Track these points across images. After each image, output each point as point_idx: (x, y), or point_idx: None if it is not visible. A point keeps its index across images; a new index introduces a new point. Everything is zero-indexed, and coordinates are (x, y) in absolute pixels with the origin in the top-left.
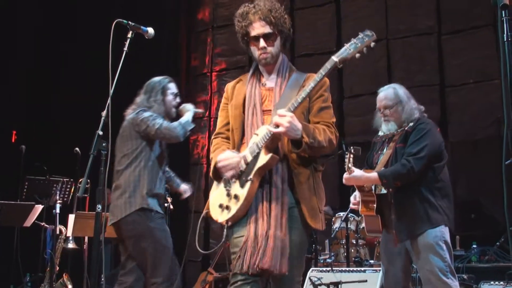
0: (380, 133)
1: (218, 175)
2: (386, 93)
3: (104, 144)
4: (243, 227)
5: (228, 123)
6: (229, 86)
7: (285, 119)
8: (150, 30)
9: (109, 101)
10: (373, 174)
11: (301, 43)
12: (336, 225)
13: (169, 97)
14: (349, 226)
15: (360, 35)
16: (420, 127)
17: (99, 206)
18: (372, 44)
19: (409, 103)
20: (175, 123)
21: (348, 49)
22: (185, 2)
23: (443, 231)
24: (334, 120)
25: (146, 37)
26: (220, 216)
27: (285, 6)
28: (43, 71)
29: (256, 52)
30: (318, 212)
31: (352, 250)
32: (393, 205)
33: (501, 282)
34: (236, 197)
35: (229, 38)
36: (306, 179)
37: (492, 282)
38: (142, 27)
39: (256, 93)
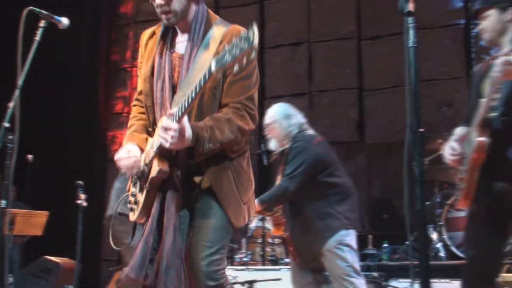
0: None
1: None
2: (268, 111)
3: (10, 137)
4: (146, 229)
5: (141, 92)
6: (144, 36)
7: (169, 134)
8: (64, 20)
9: (17, 92)
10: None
11: None
12: (253, 224)
13: None
14: (265, 225)
15: (243, 36)
16: (294, 146)
17: (3, 202)
18: (253, 54)
19: (286, 121)
20: None
21: (228, 57)
22: None
23: (342, 235)
24: (251, 93)
25: (60, 27)
26: (130, 215)
27: (209, 4)
28: None
29: (158, 14)
30: (241, 207)
31: (269, 249)
32: (290, 227)
33: (410, 280)
34: (136, 202)
35: None
36: (223, 176)
37: (400, 280)
38: (55, 16)
39: (166, 62)
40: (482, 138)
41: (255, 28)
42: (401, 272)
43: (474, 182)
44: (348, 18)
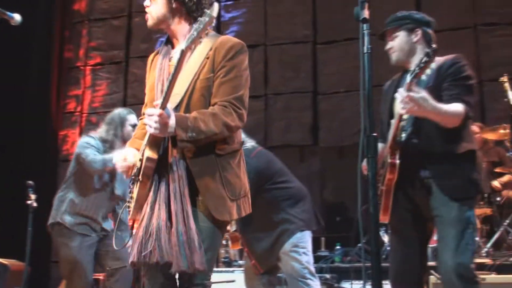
0: None
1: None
2: None
3: None
4: (144, 221)
5: (146, 105)
6: (150, 58)
7: (152, 119)
8: (17, 17)
9: None
10: None
11: None
12: None
13: (128, 128)
14: None
15: (201, 18)
16: None
17: None
18: (212, 24)
19: None
20: (99, 157)
21: (193, 33)
22: None
23: (298, 237)
24: (240, 93)
25: (12, 24)
26: (129, 215)
27: None
28: None
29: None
30: (226, 202)
31: (222, 251)
32: (243, 235)
33: (361, 281)
34: (132, 197)
35: (106, 32)
36: (207, 169)
37: (352, 281)
38: (7, 12)
39: (165, 70)
40: (394, 160)
41: (216, 5)
42: (353, 274)
43: (390, 199)
44: (304, 23)
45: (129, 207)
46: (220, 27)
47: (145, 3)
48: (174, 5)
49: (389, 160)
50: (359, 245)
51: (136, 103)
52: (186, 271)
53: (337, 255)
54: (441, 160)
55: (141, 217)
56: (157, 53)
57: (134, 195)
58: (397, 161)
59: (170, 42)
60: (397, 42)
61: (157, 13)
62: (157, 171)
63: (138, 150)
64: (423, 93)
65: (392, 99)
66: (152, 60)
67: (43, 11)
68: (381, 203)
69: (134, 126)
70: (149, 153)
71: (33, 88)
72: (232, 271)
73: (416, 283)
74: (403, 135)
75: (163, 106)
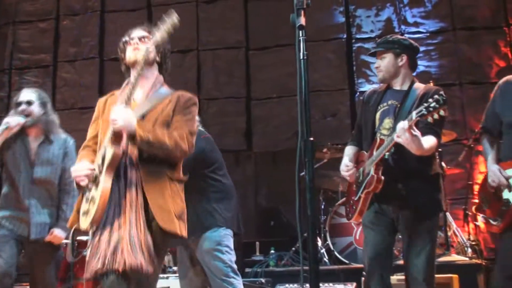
0: None
1: (79, 186)
2: None
3: None
4: (103, 228)
5: (96, 136)
6: (101, 101)
7: (117, 116)
8: None
9: None
10: None
11: (112, 47)
12: None
13: None
14: None
15: (164, 19)
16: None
17: None
18: (175, 27)
19: None
20: None
21: (154, 38)
22: None
23: (221, 235)
24: (193, 129)
25: None
26: (84, 223)
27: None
28: None
29: (129, 52)
30: (172, 215)
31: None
32: None
33: (295, 285)
34: (93, 199)
35: (32, 35)
36: (158, 187)
37: (287, 285)
38: None
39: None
40: (379, 176)
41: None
42: (287, 278)
43: (367, 205)
44: (236, 28)
45: (87, 211)
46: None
47: (134, 41)
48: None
49: (374, 175)
50: (293, 248)
51: (65, 108)
52: (137, 270)
53: (272, 259)
54: (415, 178)
55: (100, 229)
56: (111, 95)
57: (96, 194)
58: (383, 177)
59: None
60: (384, 64)
61: (148, 52)
62: (116, 183)
63: (91, 161)
64: (419, 133)
65: (376, 111)
66: (106, 102)
67: None
68: (357, 208)
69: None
70: (114, 147)
71: None
72: (167, 278)
73: (388, 267)
74: (387, 153)
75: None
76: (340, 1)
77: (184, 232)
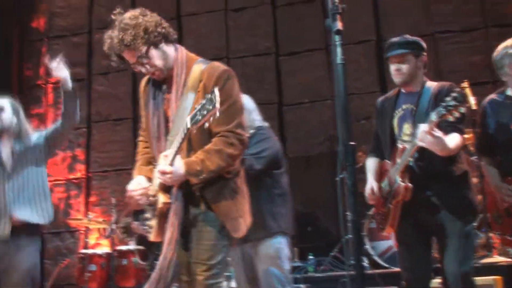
0: None
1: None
2: None
3: None
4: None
5: (145, 130)
6: (142, 83)
7: (167, 176)
8: None
9: None
10: None
11: None
12: None
13: None
14: None
15: (207, 98)
16: (260, 132)
17: None
18: (217, 114)
19: (252, 113)
20: None
21: (199, 115)
22: (18, 9)
23: (281, 242)
24: (239, 119)
25: None
26: (150, 236)
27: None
28: None
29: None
30: (238, 221)
31: None
32: None
33: None
34: (151, 227)
35: (66, 50)
36: (219, 196)
37: None
38: None
39: (159, 101)
40: (407, 184)
41: (217, 93)
42: (327, 283)
43: (398, 215)
44: (265, 35)
45: (148, 231)
46: (181, 40)
47: (145, 71)
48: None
49: (401, 183)
50: (331, 254)
51: (100, 120)
52: None
53: (310, 265)
54: (442, 180)
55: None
56: (148, 80)
57: (154, 224)
58: (410, 185)
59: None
60: (407, 67)
61: (163, 62)
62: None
63: (147, 177)
64: (441, 133)
65: (392, 118)
66: (145, 87)
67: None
68: (387, 219)
69: None
70: (164, 198)
71: None
72: None
73: (427, 283)
74: (411, 159)
75: (172, 162)
76: (368, 3)
77: (248, 225)
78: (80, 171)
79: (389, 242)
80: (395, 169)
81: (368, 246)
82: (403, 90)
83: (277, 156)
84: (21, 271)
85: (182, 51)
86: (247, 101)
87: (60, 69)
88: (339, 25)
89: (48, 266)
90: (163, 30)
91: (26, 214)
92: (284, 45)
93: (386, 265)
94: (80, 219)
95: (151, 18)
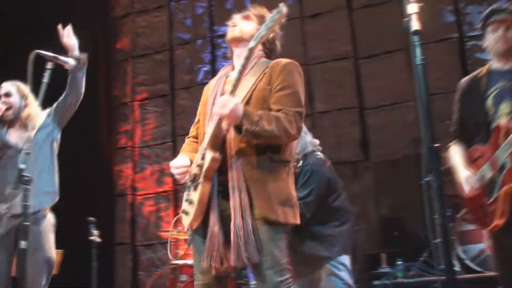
0: None
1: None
2: None
3: (26, 179)
4: (204, 229)
5: (198, 121)
6: (206, 87)
7: (226, 107)
8: (71, 61)
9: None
10: None
11: None
12: None
13: None
14: None
15: (271, 14)
16: (305, 169)
17: (23, 243)
18: (283, 19)
19: (305, 136)
20: None
21: (261, 31)
22: (103, 31)
23: (339, 261)
24: (299, 109)
25: (66, 68)
26: (184, 220)
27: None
28: None
29: (227, 31)
30: (275, 205)
31: None
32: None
33: None
34: (191, 201)
35: (150, 67)
36: (261, 173)
37: None
38: (61, 57)
39: (220, 85)
40: None
41: (282, 8)
42: None
43: (509, 203)
44: (343, 39)
45: (186, 213)
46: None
47: (236, 18)
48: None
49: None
50: (420, 258)
51: (184, 134)
52: (239, 265)
53: (400, 271)
54: None
55: (208, 222)
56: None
57: (195, 197)
58: None
59: (230, 66)
60: (510, 33)
61: (247, 31)
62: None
63: (191, 159)
64: None
65: (484, 99)
66: (208, 86)
67: (88, 52)
68: (496, 210)
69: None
70: (212, 153)
71: (85, 127)
72: None
73: None
74: None
75: (233, 94)
76: (448, 0)
77: (290, 219)
78: (168, 184)
79: (480, 246)
80: (502, 152)
81: (459, 250)
82: (495, 67)
83: (326, 187)
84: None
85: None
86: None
87: (69, 37)
88: (417, 25)
89: (143, 277)
90: None
91: (36, 200)
92: (363, 48)
93: (479, 269)
94: (169, 231)
95: None
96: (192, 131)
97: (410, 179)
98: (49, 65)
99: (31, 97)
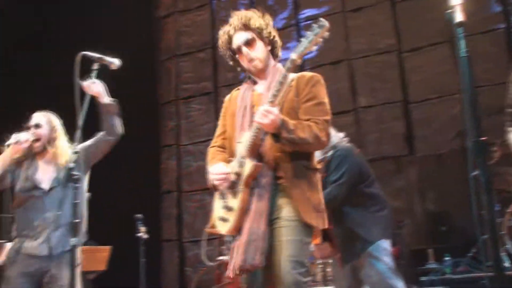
0: None
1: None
2: None
3: (76, 177)
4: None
5: (223, 132)
6: (227, 96)
7: (269, 116)
8: (116, 61)
9: (78, 132)
10: None
11: None
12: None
13: None
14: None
15: (314, 26)
16: (336, 154)
17: (75, 239)
18: (326, 34)
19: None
20: None
21: (303, 44)
22: (147, 31)
23: (381, 245)
24: (327, 117)
25: (112, 68)
26: (222, 229)
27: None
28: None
29: (245, 63)
30: (311, 208)
31: (329, 269)
32: (333, 230)
33: None
34: (231, 208)
35: (193, 65)
36: (296, 178)
37: None
38: (107, 58)
39: (247, 97)
40: None
41: (323, 23)
42: (466, 285)
43: None
44: (386, 32)
45: (224, 219)
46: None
47: (245, 52)
48: (268, 48)
49: None
50: (468, 254)
51: None
52: (245, 267)
53: (448, 266)
54: None
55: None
56: (237, 90)
57: (235, 204)
58: None
59: (251, 78)
60: None
61: (263, 56)
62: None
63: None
64: None
65: None
66: (231, 97)
67: (132, 52)
68: None
69: None
70: (253, 161)
71: (131, 126)
72: None
73: None
74: None
75: (274, 105)
76: None
77: (321, 224)
78: None
79: None
80: None
81: (509, 245)
82: None
83: (359, 172)
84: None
85: (279, 63)
86: None
87: (94, 86)
88: (461, 16)
89: (189, 273)
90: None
91: (62, 240)
92: (406, 41)
93: None
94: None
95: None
96: (216, 141)
97: (457, 174)
98: (95, 66)
99: (60, 130)
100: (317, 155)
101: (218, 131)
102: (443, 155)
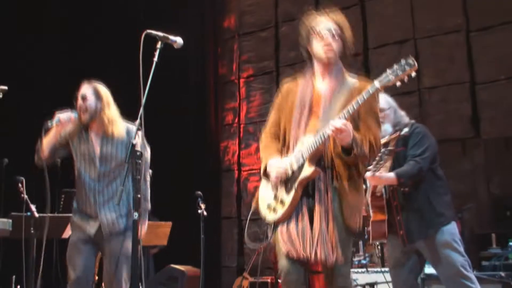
0: None
1: (267, 174)
2: (381, 98)
3: (138, 154)
4: (286, 225)
5: (278, 122)
6: (284, 85)
7: (344, 132)
8: (179, 40)
9: (141, 110)
10: (391, 174)
11: None
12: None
13: None
14: None
15: (402, 62)
16: (417, 131)
17: (136, 214)
18: (413, 74)
19: (398, 110)
20: None
21: (389, 75)
22: (210, 10)
23: (455, 227)
24: (380, 129)
25: (175, 47)
26: (268, 216)
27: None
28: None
29: (320, 48)
30: (358, 214)
31: (386, 251)
32: (401, 207)
33: None
34: (282, 202)
35: (255, 45)
36: (349, 184)
37: None
38: (170, 37)
39: (307, 95)
40: None
41: (411, 60)
42: None
43: None
44: (454, 11)
45: (274, 209)
46: (365, 24)
47: (329, 40)
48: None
49: None
50: None
51: None
52: (326, 264)
53: (511, 252)
54: None
55: (292, 220)
56: (293, 80)
57: (287, 199)
58: None
59: (312, 71)
60: None
61: (338, 51)
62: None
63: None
64: None
65: None
66: (289, 88)
67: (196, 31)
68: None
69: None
70: (314, 167)
71: (193, 104)
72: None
73: None
74: None
75: (346, 119)
76: None
77: (360, 226)
78: None
79: None
80: None
81: None
82: None
83: (436, 151)
84: (116, 257)
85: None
86: (390, 99)
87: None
88: None
89: (248, 251)
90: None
91: (111, 218)
92: (475, 20)
93: None
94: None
95: None
96: (270, 129)
97: None
98: (159, 45)
99: (108, 100)
100: (388, 130)
101: (272, 118)
102: (510, 138)
